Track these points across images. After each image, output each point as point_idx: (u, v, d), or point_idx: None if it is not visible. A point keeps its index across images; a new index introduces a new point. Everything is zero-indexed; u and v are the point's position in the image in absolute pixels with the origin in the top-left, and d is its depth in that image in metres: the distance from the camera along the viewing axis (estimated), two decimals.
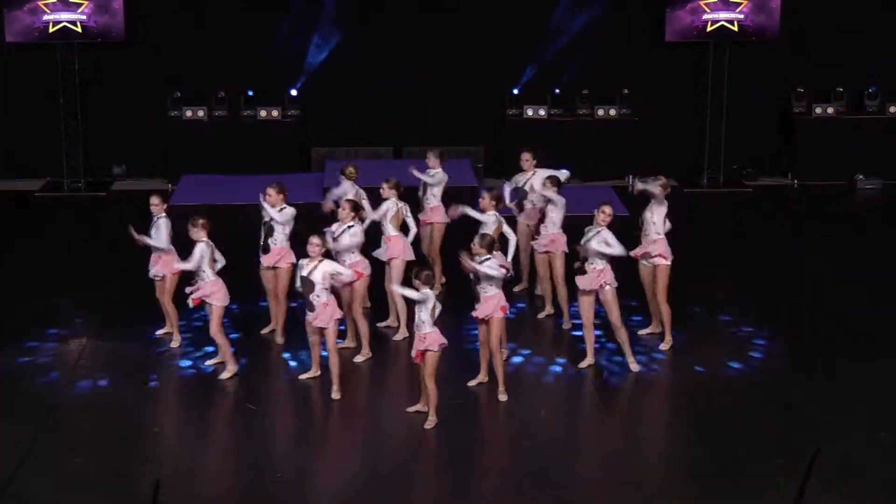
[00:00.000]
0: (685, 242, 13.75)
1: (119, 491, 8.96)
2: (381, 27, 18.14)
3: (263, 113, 17.99)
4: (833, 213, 17.61)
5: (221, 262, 11.52)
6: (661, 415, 11.13)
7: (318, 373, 11.07)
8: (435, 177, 12.97)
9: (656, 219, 11.63)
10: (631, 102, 18.36)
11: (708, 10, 17.55)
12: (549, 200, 12.45)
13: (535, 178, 12.88)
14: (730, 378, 11.43)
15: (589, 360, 11.42)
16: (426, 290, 9.77)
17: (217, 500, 9.20)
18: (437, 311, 9.93)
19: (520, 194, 12.88)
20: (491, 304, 10.54)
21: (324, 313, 10.58)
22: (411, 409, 10.29)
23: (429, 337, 9.78)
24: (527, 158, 13.01)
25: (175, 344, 11.75)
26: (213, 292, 10.88)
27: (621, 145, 18.16)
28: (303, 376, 11.08)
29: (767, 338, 12.39)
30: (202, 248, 10.82)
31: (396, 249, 11.77)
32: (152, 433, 10.36)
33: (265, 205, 11.85)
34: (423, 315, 9.79)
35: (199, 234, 10.90)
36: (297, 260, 11.23)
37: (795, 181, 18.32)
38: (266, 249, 11.75)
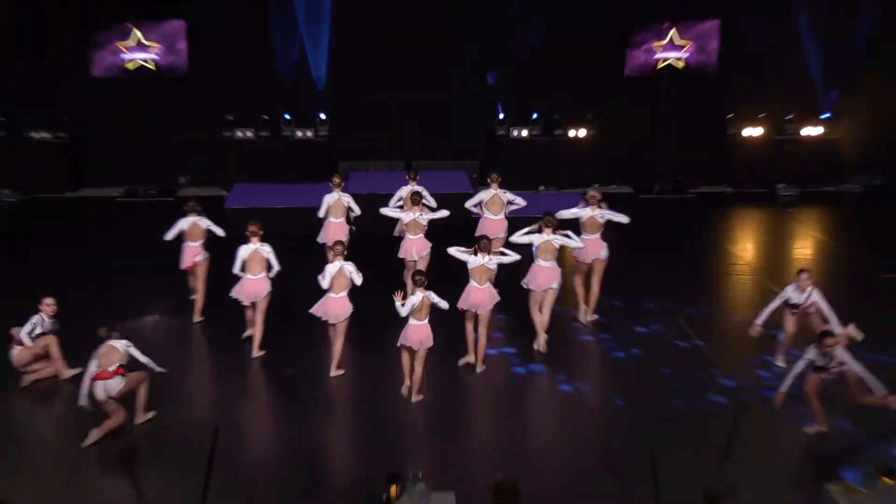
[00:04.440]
0: (638, 239, 14.14)
1: (184, 440, 9.04)
2: (395, 63, 18.10)
3: (299, 134, 18.42)
4: (759, 215, 17.96)
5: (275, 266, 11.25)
6: (612, 385, 10.80)
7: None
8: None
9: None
10: (598, 124, 18.48)
11: (658, 51, 18.02)
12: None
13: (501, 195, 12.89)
14: (667, 356, 11.26)
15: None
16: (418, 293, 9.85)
17: (261, 446, 9.64)
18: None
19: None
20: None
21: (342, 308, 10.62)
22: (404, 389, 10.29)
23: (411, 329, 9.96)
24: (494, 178, 13.04)
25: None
26: None
27: (589, 160, 18.32)
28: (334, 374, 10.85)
29: (693, 321, 12.36)
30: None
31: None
32: (210, 398, 10.55)
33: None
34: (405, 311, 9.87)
35: None
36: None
37: (730, 188, 18.82)
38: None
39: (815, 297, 10.43)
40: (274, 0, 18.09)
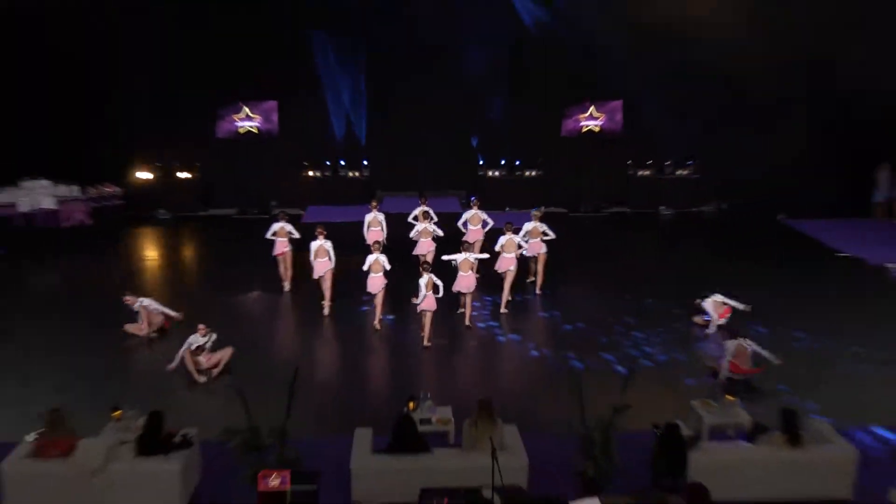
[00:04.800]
0: (570, 244, 14.26)
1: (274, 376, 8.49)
2: (411, 129, 18.02)
3: (350, 174, 18.44)
4: (648, 227, 17.86)
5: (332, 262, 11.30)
6: (560, 345, 10.39)
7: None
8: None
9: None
10: (544, 167, 18.53)
11: (583, 120, 18.20)
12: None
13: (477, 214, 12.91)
14: (600, 327, 11.00)
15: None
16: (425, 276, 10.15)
17: (327, 373, 9.74)
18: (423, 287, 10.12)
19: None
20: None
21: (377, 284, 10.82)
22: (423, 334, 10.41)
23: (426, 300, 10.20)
24: (475, 201, 13.18)
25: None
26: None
27: (538, 190, 18.29)
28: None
29: (612, 300, 12.21)
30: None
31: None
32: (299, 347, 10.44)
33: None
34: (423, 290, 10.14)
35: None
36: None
37: (629, 209, 18.86)
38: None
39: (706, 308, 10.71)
40: (332, 94, 18.10)
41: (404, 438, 6.70)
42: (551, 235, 12.20)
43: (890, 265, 13.56)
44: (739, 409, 7.84)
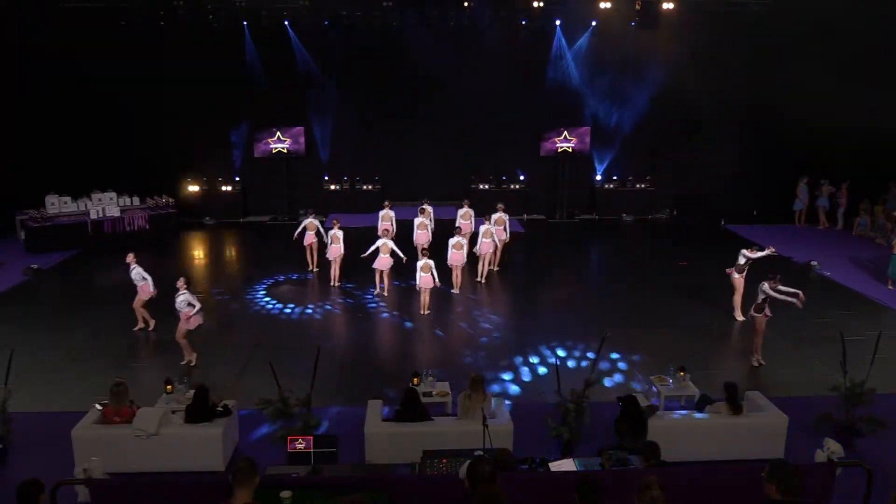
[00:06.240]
0: (548, 244, 14.43)
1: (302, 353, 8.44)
2: (417, 153, 17.72)
3: (364, 187, 18.05)
4: (612, 232, 17.40)
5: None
6: (530, 319, 10.66)
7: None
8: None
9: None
10: (526, 180, 18.23)
11: (558, 143, 17.74)
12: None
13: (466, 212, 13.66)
14: (565, 306, 11.35)
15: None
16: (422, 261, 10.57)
17: (343, 349, 9.59)
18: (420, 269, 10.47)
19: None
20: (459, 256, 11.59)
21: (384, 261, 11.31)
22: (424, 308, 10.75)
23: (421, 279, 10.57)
24: (466, 202, 14.07)
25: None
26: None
27: (521, 199, 18.06)
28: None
29: (580, 285, 12.71)
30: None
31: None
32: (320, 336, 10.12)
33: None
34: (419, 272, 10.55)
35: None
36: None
37: (596, 216, 18.46)
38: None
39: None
40: (341, 124, 17.81)
41: (410, 408, 6.64)
42: (509, 227, 13.08)
43: (814, 263, 13.49)
44: (689, 382, 7.78)
